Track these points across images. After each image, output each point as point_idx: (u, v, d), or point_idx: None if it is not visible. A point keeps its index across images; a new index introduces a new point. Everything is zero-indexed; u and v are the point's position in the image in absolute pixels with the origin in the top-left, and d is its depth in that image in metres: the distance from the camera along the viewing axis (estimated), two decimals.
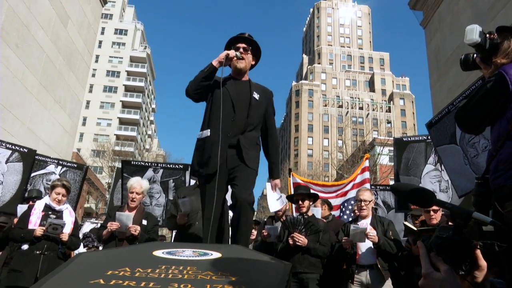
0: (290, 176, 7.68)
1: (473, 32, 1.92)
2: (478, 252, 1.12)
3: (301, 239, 4.78)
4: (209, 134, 3.50)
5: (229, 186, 3.60)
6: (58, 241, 4.83)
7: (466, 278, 1.12)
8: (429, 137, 6.30)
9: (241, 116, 3.55)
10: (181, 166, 7.39)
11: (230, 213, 3.92)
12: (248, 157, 3.48)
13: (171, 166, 7.44)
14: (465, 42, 1.97)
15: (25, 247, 4.71)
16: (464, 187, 4.85)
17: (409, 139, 6.62)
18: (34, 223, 4.81)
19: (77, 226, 5.31)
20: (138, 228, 4.56)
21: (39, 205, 5.00)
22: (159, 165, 7.54)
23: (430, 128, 5.37)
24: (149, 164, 7.68)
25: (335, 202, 7.14)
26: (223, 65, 3.56)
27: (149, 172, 7.28)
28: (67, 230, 4.93)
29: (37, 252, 4.68)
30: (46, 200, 5.07)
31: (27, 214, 4.93)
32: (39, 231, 4.69)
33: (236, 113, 3.54)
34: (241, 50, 3.67)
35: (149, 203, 7.03)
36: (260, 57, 3.88)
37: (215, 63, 3.52)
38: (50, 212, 4.94)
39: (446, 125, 5.01)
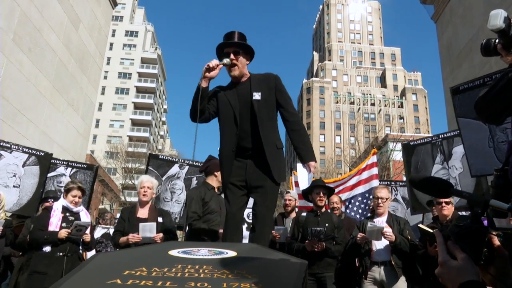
0: (292, 175, 7.71)
1: (497, 17, 1.84)
2: (497, 241, 1.11)
3: (321, 247, 4.80)
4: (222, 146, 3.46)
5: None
6: (79, 243, 4.88)
7: (488, 268, 1.11)
8: (434, 138, 6.34)
9: (247, 120, 3.38)
10: None
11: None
12: (273, 169, 3.33)
13: (197, 164, 7.43)
14: (488, 27, 1.90)
15: (47, 249, 4.72)
16: (481, 168, 4.70)
17: (415, 142, 6.70)
18: (55, 225, 4.84)
19: (92, 227, 5.36)
20: (162, 235, 4.56)
21: (57, 207, 5.03)
22: (185, 161, 7.57)
23: (455, 95, 5.11)
24: (176, 160, 7.69)
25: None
26: (213, 77, 3.35)
27: (175, 168, 7.33)
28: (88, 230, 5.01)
29: (60, 253, 4.72)
30: (62, 202, 5.10)
31: (46, 216, 4.96)
32: (63, 233, 4.73)
33: (239, 126, 3.37)
34: (232, 56, 3.42)
35: (170, 199, 7.08)
36: (254, 53, 3.60)
37: (201, 82, 3.32)
38: (68, 214, 4.99)
39: (475, 98, 4.79)
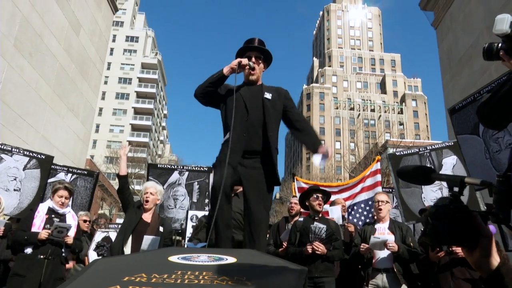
0: (294, 181, 7.71)
1: (504, 22, 1.81)
2: (479, 219, 1.08)
3: (321, 248, 4.77)
4: (228, 137, 3.46)
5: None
6: (62, 245, 4.80)
7: (474, 250, 1.08)
8: (421, 149, 6.45)
9: (256, 117, 3.51)
10: (206, 169, 7.49)
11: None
12: (272, 169, 3.43)
13: (196, 168, 7.55)
14: (494, 32, 1.88)
15: (28, 250, 4.66)
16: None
17: (401, 152, 6.74)
18: (38, 226, 4.76)
19: (79, 230, 5.29)
20: None
21: (42, 208, 4.96)
22: (184, 167, 7.67)
23: (453, 115, 5.20)
24: (175, 167, 7.76)
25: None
26: (236, 72, 3.53)
27: (175, 175, 7.40)
28: (72, 233, 4.93)
29: (41, 256, 4.63)
30: (49, 203, 5.03)
31: (30, 217, 4.89)
32: (44, 234, 4.65)
33: (249, 113, 3.51)
34: (253, 60, 3.64)
35: (173, 206, 7.11)
36: (271, 61, 3.85)
37: (225, 70, 3.50)
38: (53, 215, 4.92)
39: (470, 114, 4.85)
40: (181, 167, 7.65)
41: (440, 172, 6.24)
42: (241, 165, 3.41)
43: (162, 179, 7.23)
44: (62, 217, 5.00)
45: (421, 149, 6.45)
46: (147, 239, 4.45)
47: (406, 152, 6.61)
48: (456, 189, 1.16)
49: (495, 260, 1.07)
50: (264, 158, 3.44)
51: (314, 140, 3.64)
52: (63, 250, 4.87)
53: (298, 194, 7.18)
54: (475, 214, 1.08)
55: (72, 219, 5.09)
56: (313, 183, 8.06)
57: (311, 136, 3.68)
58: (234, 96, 3.53)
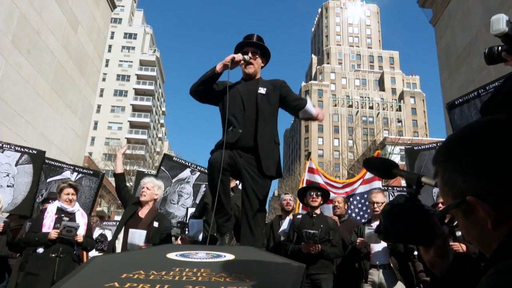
0: (307, 160, 7.64)
1: (500, 22, 1.81)
2: (435, 219, 1.05)
3: (316, 249, 4.75)
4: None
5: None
6: (73, 243, 4.87)
7: (429, 250, 1.06)
8: (439, 144, 6.31)
9: (251, 112, 3.53)
10: None
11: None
12: (266, 164, 3.42)
13: None
14: (492, 33, 1.86)
15: (40, 250, 4.74)
16: None
17: (419, 147, 6.69)
18: (48, 226, 4.84)
19: (90, 227, 5.35)
20: (151, 246, 4.53)
21: (51, 208, 5.03)
22: (197, 167, 7.56)
23: (451, 110, 5.18)
24: (189, 164, 7.67)
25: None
26: (230, 68, 3.54)
27: (186, 172, 7.34)
28: (81, 231, 4.97)
29: (53, 255, 4.70)
30: (57, 203, 5.10)
31: (40, 218, 4.98)
32: (53, 234, 4.73)
33: (245, 109, 3.53)
34: (250, 55, 3.65)
35: (176, 202, 7.07)
36: (270, 57, 3.85)
37: (218, 67, 3.51)
38: (63, 215, 4.98)
39: (472, 110, 4.84)
40: (194, 166, 7.55)
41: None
42: (237, 157, 3.44)
43: (173, 173, 7.18)
44: (72, 216, 5.06)
45: (438, 145, 6.36)
46: (132, 232, 4.46)
47: (423, 147, 6.52)
48: (415, 187, 1.13)
49: (449, 260, 1.06)
50: (259, 152, 3.45)
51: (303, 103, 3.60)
52: (74, 248, 4.92)
53: (307, 174, 7.22)
54: (431, 214, 1.06)
55: (81, 218, 5.15)
56: (323, 172, 7.93)
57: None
58: (227, 93, 3.54)
